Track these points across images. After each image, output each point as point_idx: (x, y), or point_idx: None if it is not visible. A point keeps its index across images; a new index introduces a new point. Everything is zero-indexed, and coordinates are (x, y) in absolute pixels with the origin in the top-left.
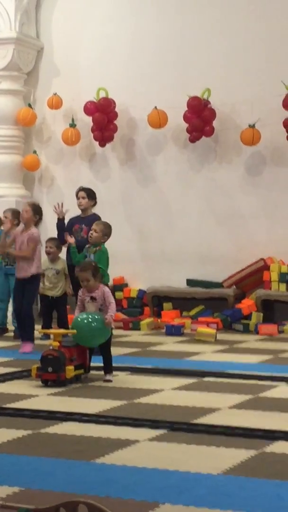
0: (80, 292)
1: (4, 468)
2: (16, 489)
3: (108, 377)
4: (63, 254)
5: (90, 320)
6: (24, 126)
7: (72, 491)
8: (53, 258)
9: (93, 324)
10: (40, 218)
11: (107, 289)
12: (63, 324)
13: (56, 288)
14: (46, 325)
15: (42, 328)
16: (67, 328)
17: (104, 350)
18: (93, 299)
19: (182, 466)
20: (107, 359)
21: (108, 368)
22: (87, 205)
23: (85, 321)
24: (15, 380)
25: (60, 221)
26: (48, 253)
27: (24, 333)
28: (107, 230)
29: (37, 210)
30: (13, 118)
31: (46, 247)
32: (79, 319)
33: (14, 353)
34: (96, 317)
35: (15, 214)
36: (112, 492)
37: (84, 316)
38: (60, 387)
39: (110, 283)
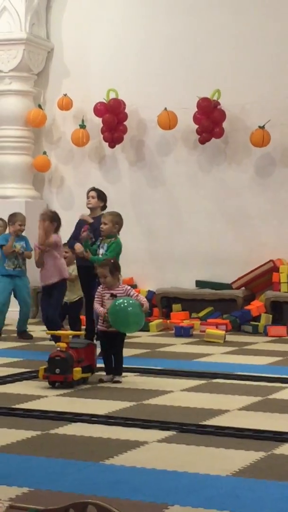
0: (100, 288)
1: (14, 468)
2: (25, 490)
3: (117, 378)
4: None
5: (126, 304)
6: (34, 127)
7: (81, 492)
8: (69, 262)
9: (129, 309)
10: (59, 225)
11: (129, 288)
12: (76, 328)
13: (71, 292)
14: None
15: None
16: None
17: (116, 351)
18: (113, 296)
19: (191, 467)
20: (119, 360)
21: (118, 369)
22: (96, 204)
23: (122, 305)
24: (24, 381)
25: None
26: (64, 257)
27: (55, 339)
28: (116, 219)
29: (54, 218)
30: (23, 119)
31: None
32: (116, 303)
33: (23, 354)
34: (131, 301)
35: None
36: (121, 493)
37: (121, 300)
38: (69, 388)
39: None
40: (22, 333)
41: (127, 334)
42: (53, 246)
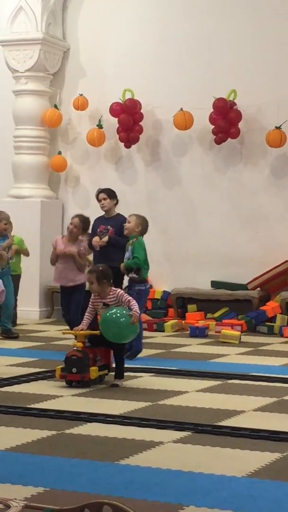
0: (92, 297)
1: (29, 468)
2: (40, 490)
3: (116, 381)
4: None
5: (118, 315)
6: (50, 127)
7: (96, 492)
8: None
9: (121, 320)
10: (86, 230)
11: (122, 292)
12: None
13: None
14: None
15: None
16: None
17: (117, 354)
18: (106, 305)
19: (207, 468)
20: (120, 364)
21: (119, 372)
22: (109, 205)
23: (114, 315)
24: (40, 381)
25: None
26: None
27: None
28: (140, 220)
29: (86, 224)
30: (39, 119)
31: None
32: (107, 313)
33: (38, 354)
34: (124, 312)
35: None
36: (137, 493)
37: (113, 310)
38: (84, 388)
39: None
40: (7, 331)
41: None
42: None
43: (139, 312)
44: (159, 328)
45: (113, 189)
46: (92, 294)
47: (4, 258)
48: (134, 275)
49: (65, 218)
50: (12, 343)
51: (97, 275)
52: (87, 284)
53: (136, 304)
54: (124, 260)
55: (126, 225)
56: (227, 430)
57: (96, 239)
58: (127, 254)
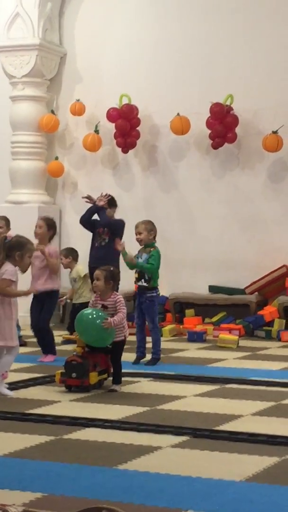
0: (93, 297)
1: (27, 473)
2: (38, 495)
3: (114, 387)
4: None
5: (94, 316)
6: (47, 132)
7: (94, 497)
8: (65, 268)
9: (97, 321)
10: (54, 233)
11: (121, 298)
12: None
13: (76, 295)
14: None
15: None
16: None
17: (114, 360)
18: (104, 307)
19: (205, 472)
20: (116, 369)
21: (116, 378)
22: (109, 214)
23: (90, 316)
24: (38, 386)
25: (95, 206)
26: (61, 263)
27: (46, 347)
28: (149, 226)
29: (51, 226)
30: (36, 124)
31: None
32: (83, 313)
33: (36, 359)
34: (100, 314)
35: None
36: (135, 498)
37: (89, 311)
38: (82, 393)
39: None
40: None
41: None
42: (55, 254)
43: (123, 323)
44: None
45: (111, 194)
46: (94, 295)
47: None
48: (145, 284)
49: (62, 224)
50: None
51: (106, 273)
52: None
53: (122, 316)
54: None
55: (139, 237)
56: (225, 434)
57: (101, 198)
58: (140, 260)
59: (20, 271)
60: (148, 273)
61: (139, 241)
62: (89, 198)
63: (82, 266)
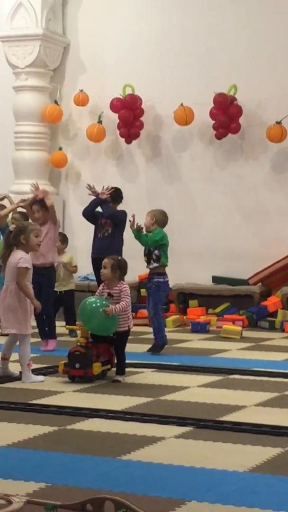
0: (100, 286)
1: (31, 464)
2: (42, 485)
3: (118, 377)
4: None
5: (98, 304)
6: (51, 122)
7: (98, 487)
8: (59, 252)
9: (100, 310)
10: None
11: (126, 287)
12: (71, 320)
13: (63, 283)
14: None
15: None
16: (74, 323)
17: (118, 350)
18: (110, 295)
19: (209, 463)
20: (120, 360)
21: (120, 368)
22: (112, 207)
23: (93, 304)
24: (41, 377)
25: (98, 198)
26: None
27: (47, 331)
28: (158, 216)
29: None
30: (40, 115)
31: None
32: (87, 302)
33: (40, 349)
34: (104, 302)
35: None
36: (138, 488)
37: (93, 299)
38: (86, 384)
39: (135, 279)
40: None
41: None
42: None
43: (127, 310)
44: None
45: (115, 185)
46: (102, 284)
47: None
48: (155, 264)
49: (66, 214)
50: None
51: (113, 262)
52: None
53: (124, 304)
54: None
55: (144, 223)
56: (228, 425)
57: (103, 191)
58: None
59: (33, 253)
60: (146, 243)
61: (145, 225)
62: (92, 189)
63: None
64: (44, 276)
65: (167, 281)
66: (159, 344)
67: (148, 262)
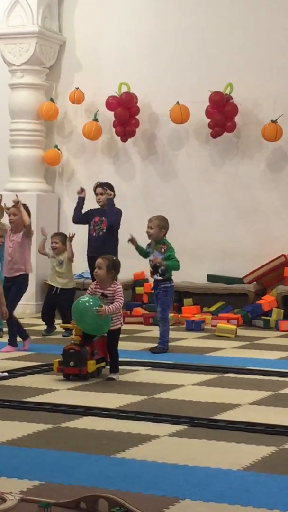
0: (93, 284)
1: (25, 462)
2: (36, 483)
3: (112, 375)
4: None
5: (91, 304)
6: (46, 120)
7: (92, 485)
8: (58, 252)
9: (93, 309)
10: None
11: (120, 288)
12: (68, 319)
13: (61, 278)
14: (48, 318)
15: (63, 323)
16: (69, 322)
17: (111, 348)
18: (103, 296)
19: (203, 461)
20: (113, 357)
21: (113, 366)
22: (105, 200)
23: (86, 303)
24: (36, 374)
25: (81, 199)
26: (54, 248)
27: (18, 332)
28: (162, 223)
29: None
30: (35, 112)
31: (52, 242)
32: (80, 301)
33: (34, 347)
34: (98, 302)
35: None
36: (132, 487)
37: (86, 299)
38: (81, 381)
39: (130, 278)
40: None
41: (132, 329)
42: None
43: (119, 310)
44: (155, 322)
45: (110, 182)
46: (94, 283)
47: None
48: (160, 278)
49: (61, 212)
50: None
51: (108, 263)
52: None
53: (118, 305)
54: (151, 255)
55: (150, 231)
56: (223, 423)
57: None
58: (151, 257)
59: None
60: (176, 269)
61: (149, 235)
62: (81, 192)
63: None
64: (14, 283)
65: (173, 285)
66: (161, 348)
67: (153, 273)
